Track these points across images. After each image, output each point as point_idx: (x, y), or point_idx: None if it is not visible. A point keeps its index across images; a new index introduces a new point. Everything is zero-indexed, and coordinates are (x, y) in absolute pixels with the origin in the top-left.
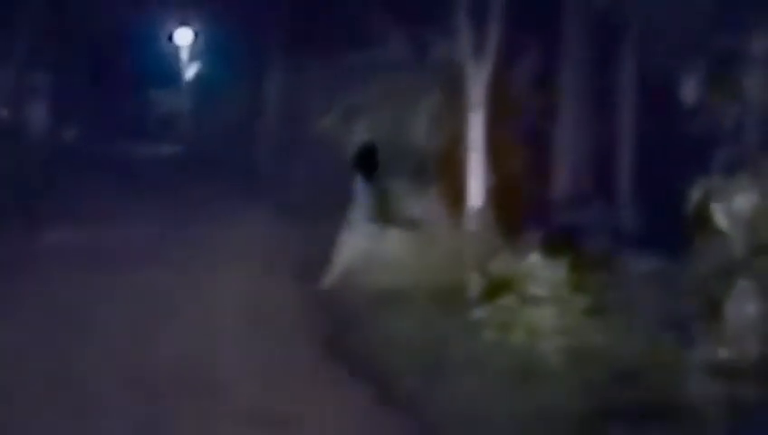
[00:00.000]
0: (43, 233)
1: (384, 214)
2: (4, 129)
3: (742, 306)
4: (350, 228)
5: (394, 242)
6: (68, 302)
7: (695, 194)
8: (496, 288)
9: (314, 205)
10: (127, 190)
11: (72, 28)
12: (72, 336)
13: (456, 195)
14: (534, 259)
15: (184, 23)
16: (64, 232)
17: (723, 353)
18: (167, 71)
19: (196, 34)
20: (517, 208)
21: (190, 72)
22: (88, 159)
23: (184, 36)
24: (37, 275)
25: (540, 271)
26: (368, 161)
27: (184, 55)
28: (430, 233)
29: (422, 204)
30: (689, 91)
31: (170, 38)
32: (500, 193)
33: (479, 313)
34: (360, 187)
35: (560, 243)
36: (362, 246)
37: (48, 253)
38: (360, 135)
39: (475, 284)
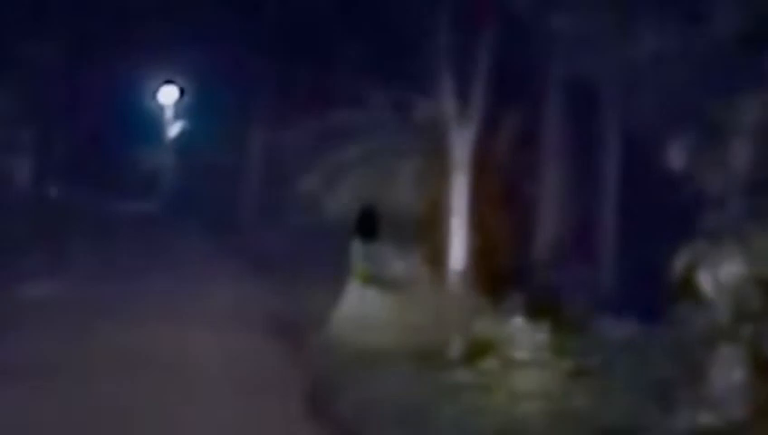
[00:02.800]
0: (24, 288)
1: (368, 275)
2: None
3: (727, 373)
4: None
5: (377, 303)
6: (48, 358)
7: (680, 260)
8: (478, 351)
9: (295, 264)
10: (108, 247)
11: (57, 85)
12: (50, 390)
13: (438, 257)
14: (516, 322)
15: (169, 81)
16: (45, 288)
17: (705, 419)
18: (151, 128)
19: (182, 92)
20: (499, 270)
21: (174, 129)
22: (71, 215)
23: (169, 94)
24: (18, 331)
25: (522, 334)
26: (367, 225)
27: (168, 113)
28: (413, 295)
29: (405, 266)
30: (675, 157)
31: (155, 96)
32: (482, 255)
33: (461, 375)
34: (356, 249)
35: (542, 305)
36: (349, 306)
37: (29, 308)
38: (342, 196)
39: (457, 346)
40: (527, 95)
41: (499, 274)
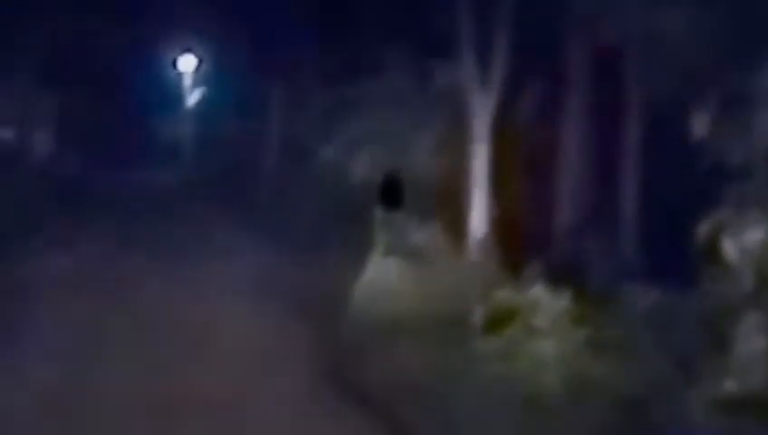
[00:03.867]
0: (42, 260)
1: (390, 246)
2: (9, 153)
3: (751, 340)
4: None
5: (398, 273)
6: (68, 330)
7: (704, 227)
8: (500, 319)
9: (316, 234)
10: (127, 218)
11: (75, 55)
12: (70, 362)
13: (458, 226)
14: (538, 290)
15: (188, 49)
16: (63, 259)
17: (728, 387)
18: (170, 97)
19: (200, 61)
20: (520, 239)
21: (193, 98)
22: (90, 186)
23: (188, 63)
24: (36, 302)
25: (543, 302)
26: (391, 193)
27: (187, 82)
28: (434, 264)
29: (426, 236)
30: (698, 125)
31: (174, 65)
32: (502, 224)
33: (483, 343)
34: (378, 218)
35: (563, 274)
36: (372, 276)
37: (47, 280)
38: (362, 164)
39: (478, 315)
40: (549, 63)
41: (520, 243)
